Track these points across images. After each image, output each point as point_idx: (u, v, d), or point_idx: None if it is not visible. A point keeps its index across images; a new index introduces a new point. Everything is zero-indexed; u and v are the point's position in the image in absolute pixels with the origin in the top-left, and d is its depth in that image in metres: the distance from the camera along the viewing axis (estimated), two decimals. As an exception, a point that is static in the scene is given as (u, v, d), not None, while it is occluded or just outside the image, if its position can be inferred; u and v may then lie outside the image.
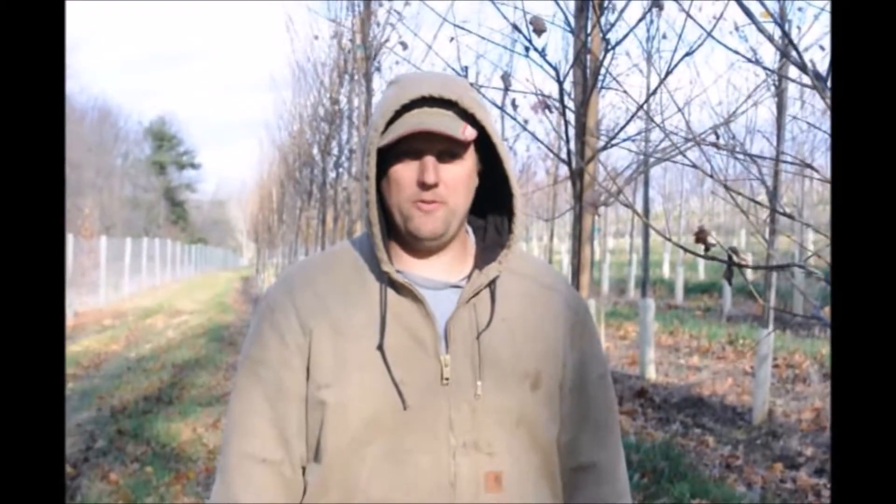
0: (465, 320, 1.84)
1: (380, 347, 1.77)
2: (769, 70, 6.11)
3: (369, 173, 1.77)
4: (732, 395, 10.08)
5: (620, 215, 41.03)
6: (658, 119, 4.00)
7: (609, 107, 12.63)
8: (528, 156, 21.44)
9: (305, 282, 1.88)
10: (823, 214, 32.39)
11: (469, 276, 1.87)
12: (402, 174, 1.78)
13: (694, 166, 2.91)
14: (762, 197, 6.44)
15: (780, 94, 8.78)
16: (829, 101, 2.34)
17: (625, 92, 3.69)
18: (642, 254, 12.69)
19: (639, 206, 21.77)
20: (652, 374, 11.47)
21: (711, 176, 2.75)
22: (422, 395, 1.77)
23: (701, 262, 29.75)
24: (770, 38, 2.64)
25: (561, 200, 17.84)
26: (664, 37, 11.32)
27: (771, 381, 9.08)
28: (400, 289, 1.81)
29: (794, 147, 17.10)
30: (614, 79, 3.88)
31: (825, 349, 12.07)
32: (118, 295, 35.13)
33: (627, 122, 3.71)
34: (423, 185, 1.78)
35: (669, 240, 2.77)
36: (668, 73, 3.74)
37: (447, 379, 1.78)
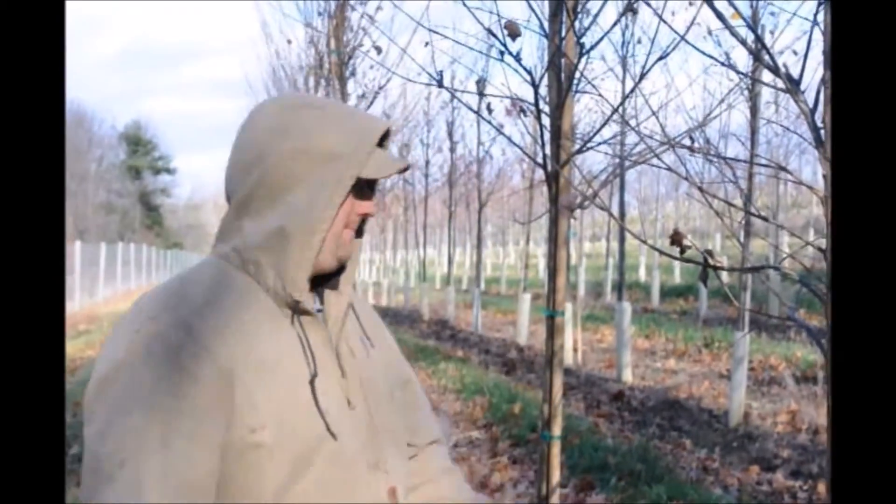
0: (344, 344, 1.85)
1: (311, 381, 1.73)
2: (742, 74, 6.13)
3: (335, 202, 1.72)
4: (709, 397, 10.12)
5: (596, 219, 41.14)
6: (633, 123, 4.01)
7: (584, 111, 12.67)
8: (504, 160, 21.54)
9: (204, 316, 1.70)
10: (797, 218, 32.63)
11: (323, 299, 1.87)
12: (352, 205, 1.77)
13: (669, 169, 2.92)
14: (737, 201, 6.48)
15: (753, 99, 8.83)
16: (802, 104, 2.35)
17: (600, 95, 3.70)
18: (618, 257, 12.72)
19: (615, 210, 21.84)
20: (629, 377, 11.49)
21: (687, 178, 2.76)
22: (342, 423, 1.75)
23: (677, 266, 29.88)
24: (743, 42, 2.65)
25: (537, 204, 17.87)
26: (639, 41, 11.36)
27: (746, 384, 9.13)
28: (306, 317, 1.78)
29: (769, 151, 17.23)
30: (589, 82, 3.89)
31: (800, 352, 12.13)
32: (93, 300, 34.96)
33: (603, 125, 3.72)
34: (366, 216, 1.82)
35: (645, 242, 2.78)
36: (643, 76, 3.75)
37: (351, 404, 1.79)
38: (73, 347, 19.04)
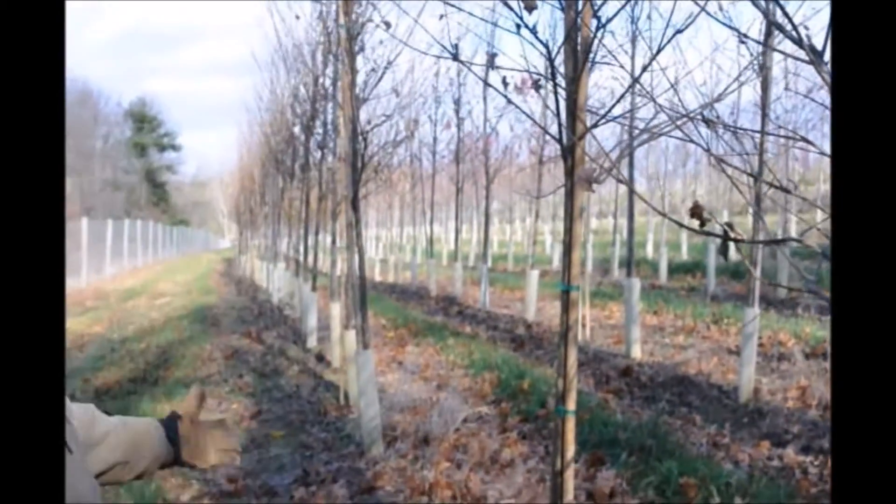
0: None
1: None
2: (761, 44, 6.10)
3: None
4: (718, 373, 10.10)
5: (603, 196, 41.05)
6: (647, 98, 3.98)
7: (594, 88, 12.62)
8: (512, 136, 21.46)
9: None
10: (805, 194, 32.57)
11: None
12: None
13: (691, 141, 2.90)
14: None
15: (765, 74, 8.78)
16: (825, 75, 2.33)
17: (622, 66, 3.67)
18: (627, 234, 12.68)
19: (623, 187, 21.73)
20: (637, 353, 11.47)
21: (708, 151, 2.74)
22: None
23: (684, 243, 29.83)
24: (765, 13, 2.62)
25: (545, 181, 17.81)
26: (649, 17, 11.28)
27: (756, 360, 9.11)
28: None
29: (777, 129, 17.14)
30: (610, 52, 3.86)
31: (809, 328, 12.11)
32: (100, 277, 35.03)
33: (622, 97, 3.70)
34: None
35: (665, 215, 2.75)
36: (661, 49, 3.72)
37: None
38: (80, 324, 19.10)
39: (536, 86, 4.25)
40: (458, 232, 22.94)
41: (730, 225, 2.72)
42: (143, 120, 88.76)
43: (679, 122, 3.25)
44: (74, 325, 18.88)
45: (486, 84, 4.32)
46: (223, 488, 6.72)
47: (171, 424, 2.10)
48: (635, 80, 3.54)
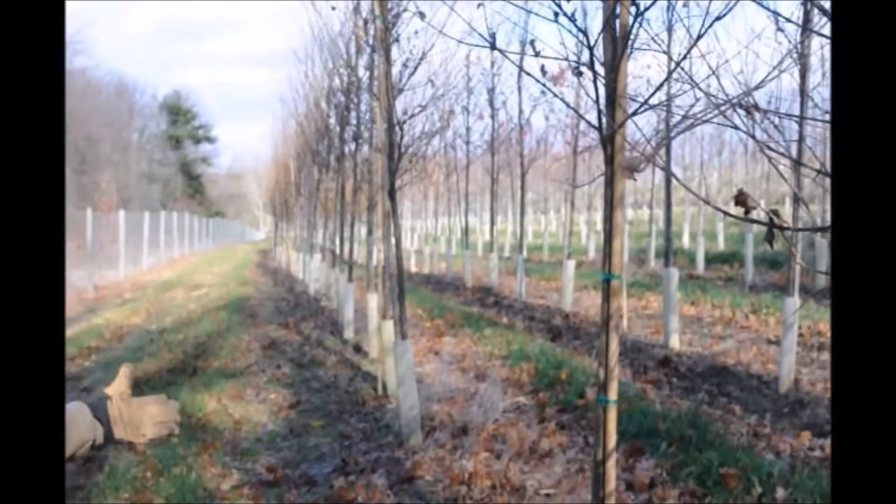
0: None
1: None
2: (800, 26, 6.04)
3: None
4: (757, 363, 10.03)
5: (639, 186, 40.89)
6: (686, 85, 3.95)
7: (629, 77, 12.52)
8: (547, 125, 21.41)
9: None
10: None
11: None
12: None
13: (735, 127, 2.88)
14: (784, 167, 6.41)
15: (803, 61, 8.71)
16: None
17: (665, 52, 3.65)
18: (664, 223, 12.62)
19: (659, 177, 21.69)
20: (676, 343, 11.42)
21: (752, 136, 2.71)
22: None
23: (720, 233, 29.66)
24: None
25: (580, 171, 17.76)
26: (685, 5, 11.20)
27: (796, 350, 9.04)
28: None
29: (824, 112, 16.98)
30: (654, 38, 3.84)
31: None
32: (137, 268, 35.29)
33: (662, 84, 3.67)
34: None
35: (709, 203, 2.73)
36: (700, 35, 3.69)
37: None
38: (119, 315, 19.26)
39: (578, 72, 4.23)
40: (493, 222, 22.92)
41: (775, 212, 2.70)
42: (177, 112, 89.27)
43: (721, 109, 3.23)
44: (113, 316, 19.03)
45: (523, 72, 4.32)
46: (263, 477, 6.76)
47: (100, 405, 2.08)
48: (677, 65, 3.51)
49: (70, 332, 16.56)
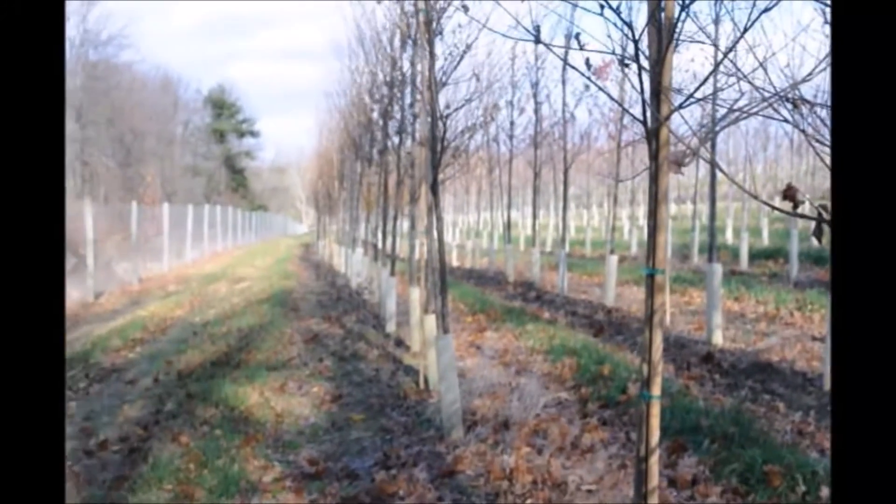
0: None
1: None
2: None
3: None
4: (802, 360, 9.94)
5: (682, 181, 40.62)
6: (733, 79, 3.91)
7: (674, 70, 12.43)
8: (591, 120, 21.32)
9: None
10: None
11: None
12: None
13: (784, 120, 2.84)
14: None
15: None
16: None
17: (714, 45, 3.61)
18: (708, 219, 12.53)
19: (703, 171, 21.54)
20: (719, 339, 11.34)
21: (803, 131, 2.68)
22: None
23: (765, 228, 29.43)
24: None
25: (623, 165, 17.68)
26: (731, -2, 11.11)
27: (842, 347, 8.92)
28: None
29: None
30: (701, 29, 3.80)
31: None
32: (181, 261, 35.56)
33: (709, 76, 3.63)
34: None
35: (756, 197, 2.70)
36: (747, 28, 3.66)
37: None
38: (163, 308, 19.41)
39: (624, 64, 4.20)
40: (535, 217, 22.87)
41: (824, 207, 2.67)
42: (221, 106, 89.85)
43: (769, 102, 3.19)
44: (157, 309, 19.18)
45: (567, 65, 4.29)
46: (305, 470, 6.78)
47: None
48: (724, 56, 3.48)
49: (115, 324, 16.72)
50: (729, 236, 30.73)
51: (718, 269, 11.57)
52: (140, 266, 27.96)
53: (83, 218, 23.37)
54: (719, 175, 13.54)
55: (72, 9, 55.66)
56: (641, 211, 38.16)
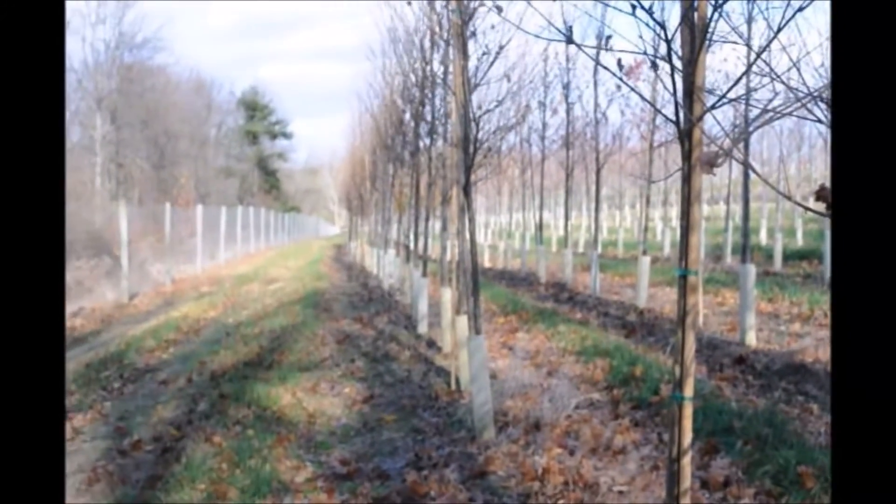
0: None
1: None
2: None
3: None
4: (836, 362, 9.85)
5: (715, 182, 40.43)
6: (766, 79, 3.89)
7: (707, 70, 12.36)
8: (623, 120, 21.26)
9: None
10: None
11: None
12: None
13: (818, 121, 2.82)
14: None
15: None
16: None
17: (746, 45, 3.59)
18: (741, 219, 12.46)
19: (736, 172, 21.40)
20: (752, 340, 11.27)
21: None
22: None
23: (799, 229, 29.24)
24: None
25: (656, 166, 17.62)
26: (765, -3, 11.05)
27: (877, 349, 8.84)
28: None
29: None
30: (734, 28, 3.78)
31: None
32: (214, 262, 35.76)
33: (742, 76, 3.61)
34: None
35: (790, 198, 2.69)
36: (781, 27, 3.64)
37: None
38: (196, 308, 19.52)
39: (654, 66, 4.19)
40: (567, 218, 22.83)
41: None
42: (254, 108, 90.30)
43: (802, 102, 3.17)
44: (190, 310, 19.29)
45: (599, 65, 4.27)
46: (336, 470, 6.80)
47: None
48: (758, 56, 3.46)
49: (148, 325, 16.85)
50: (763, 237, 30.54)
51: (752, 269, 11.51)
52: (173, 267, 28.14)
53: (118, 219, 23.57)
54: (753, 176, 13.47)
55: (108, 11, 56.23)
56: (674, 212, 38.02)
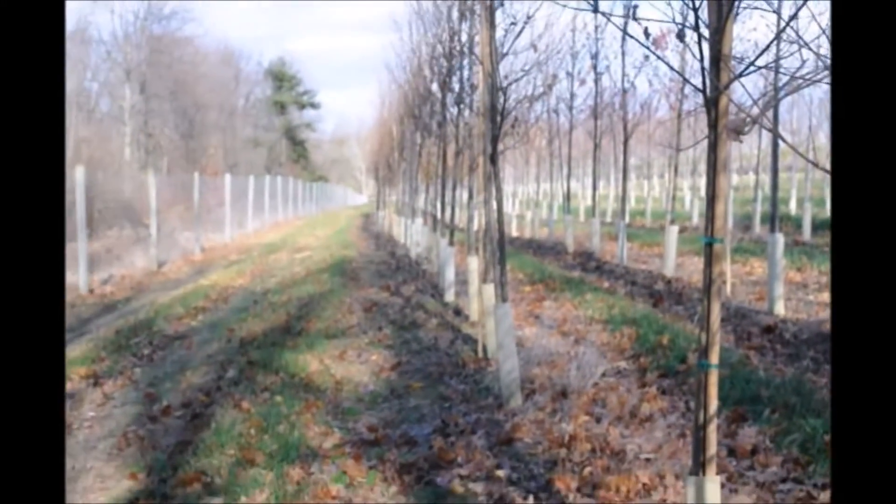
0: None
1: None
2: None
3: None
4: (864, 331, 9.82)
5: (744, 151, 40.21)
6: (794, 46, 3.88)
7: (736, 40, 12.27)
8: (651, 90, 21.13)
9: None
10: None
11: None
12: None
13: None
14: None
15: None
16: None
17: (775, 12, 3.58)
18: (770, 188, 12.40)
19: (766, 141, 21.30)
20: (781, 309, 11.25)
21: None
22: None
23: (829, 199, 29.04)
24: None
25: (684, 135, 17.52)
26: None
27: (906, 318, 8.81)
28: None
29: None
30: (762, -3, 3.77)
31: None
32: (242, 231, 35.90)
33: (770, 43, 3.61)
34: None
35: (817, 165, 2.69)
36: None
37: None
38: (225, 277, 19.64)
39: (680, 36, 4.18)
40: (595, 187, 22.78)
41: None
42: (282, 78, 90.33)
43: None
44: (220, 278, 19.41)
45: (627, 35, 4.27)
46: (364, 437, 6.85)
47: None
48: (787, 24, 3.45)
49: (178, 292, 16.97)
50: (792, 206, 30.40)
51: (780, 239, 11.47)
52: (202, 236, 28.28)
53: (147, 189, 23.70)
54: (782, 145, 13.38)
55: (137, -18, 56.36)
56: (703, 181, 37.76)
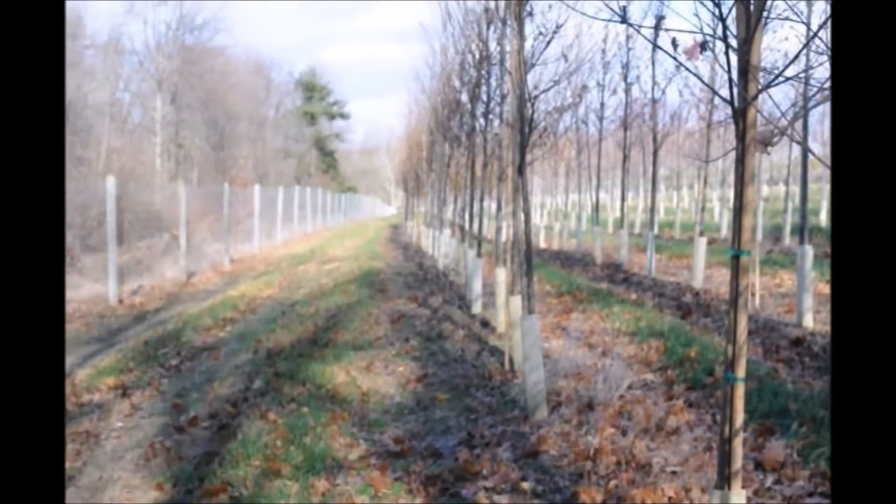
0: None
1: None
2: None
3: None
4: None
5: (774, 162, 40.01)
6: (824, 57, 3.85)
7: (764, 50, 12.22)
8: (681, 101, 21.06)
9: None
10: None
11: None
12: None
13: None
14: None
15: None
16: None
17: (805, 23, 3.56)
18: (800, 200, 12.33)
19: (796, 153, 21.17)
20: (810, 322, 11.17)
21: None
22: None
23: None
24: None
25: (714, 146, 17.46)
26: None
27: (937, 332, 8.72)
28: None
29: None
30: (790, 7, 3.74)
31: None
32: (271, 242, 36.02)
33: (798, 54, 3.58)
34: None
35: (843, 177, 2.66)
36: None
37: None
38: (253, 287, 19.70)
39: (702, 47, 4.16)
40: (623, 199, 22.73)
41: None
42: (312, 89, 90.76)
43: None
44: (248, 289, 19.47)
45: (656, 46, 4.25)
46: (390, 448, 6.85)
47: None
48: (815, 34, 3.42)
49: (206, 303, 17.04)
50: (823, 218, 30.19)
51: (810, 251, 11.40)
52: (231, 247, 28.39)
53: (177, 199, 23.81)
54: (812, 157, 13.31)
55: (170, -7, 56.83)
56: (732, 193, 37.64)
